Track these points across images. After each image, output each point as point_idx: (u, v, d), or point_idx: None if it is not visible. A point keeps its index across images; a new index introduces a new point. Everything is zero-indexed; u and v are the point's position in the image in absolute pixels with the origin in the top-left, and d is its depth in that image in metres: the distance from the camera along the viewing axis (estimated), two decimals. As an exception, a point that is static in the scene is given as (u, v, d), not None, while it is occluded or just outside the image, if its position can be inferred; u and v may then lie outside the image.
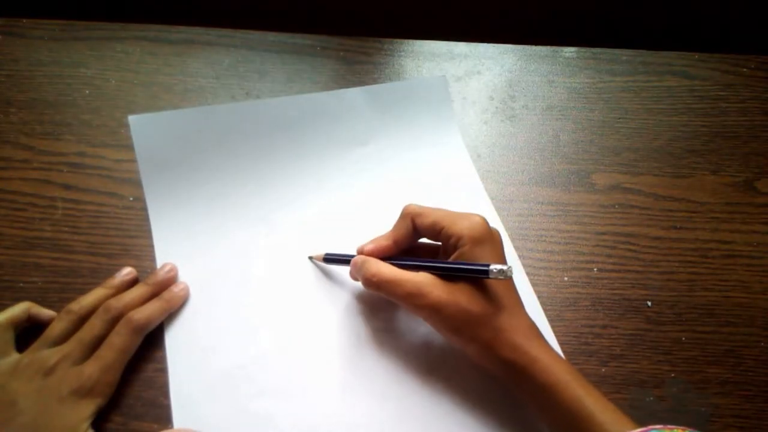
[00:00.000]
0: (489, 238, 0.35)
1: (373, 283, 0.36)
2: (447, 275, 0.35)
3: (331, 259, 0.41)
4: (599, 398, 0.32)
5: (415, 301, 0.34)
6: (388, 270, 0.36)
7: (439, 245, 0.39)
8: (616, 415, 0.31)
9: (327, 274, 0.42)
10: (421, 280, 0.35)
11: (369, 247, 0.38)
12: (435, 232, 0.37)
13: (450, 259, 0.36)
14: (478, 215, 0.36)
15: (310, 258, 0.43)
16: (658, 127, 0.52)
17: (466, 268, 0.34)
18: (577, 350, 0.40)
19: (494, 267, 0.32)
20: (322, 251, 0.42)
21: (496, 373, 0.35)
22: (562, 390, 0.32)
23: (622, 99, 0.53)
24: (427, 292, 0.34)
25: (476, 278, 0.34)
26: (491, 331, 0.33)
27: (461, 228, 0.35)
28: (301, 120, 0.49)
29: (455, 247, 0.35)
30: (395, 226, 0.39)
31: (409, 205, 0.39)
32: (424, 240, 0.39)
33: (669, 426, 0.29)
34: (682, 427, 0.29)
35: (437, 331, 0.36)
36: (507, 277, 0.32)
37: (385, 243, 0.38)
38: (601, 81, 0.54)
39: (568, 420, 0.32)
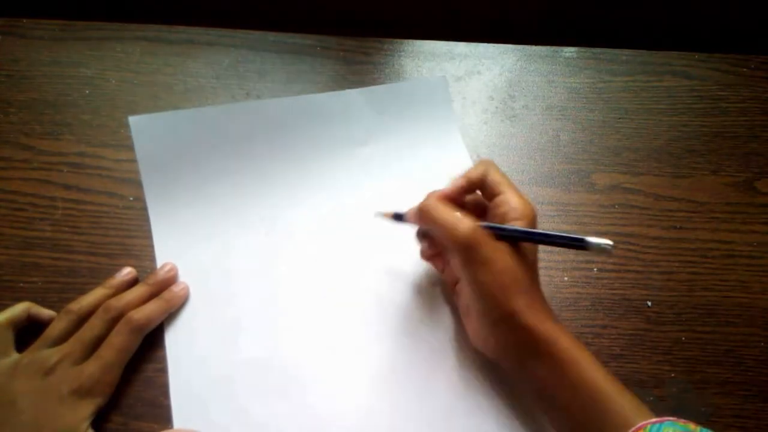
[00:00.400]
0: (535, 226, 0.36)
1: (428, 211, 0.36)
2: (503, 235, 0.34)
3: (399, 215, 0.40)
4: (618, 383, 0.32)
5: (468, 241, 0.34)
6: (446, 207, 0.36)
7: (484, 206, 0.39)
8: (635, 401, 0.31)
9: (327, 274, 0.42)
10: (475, 228, 0.34)
11: (439, 192, 0.38)
12: (494, 192, 0.37)
13: None
14: (533, 204, 0.36)
15: (379, 214, 0.41)
16: (658, 127, 0.52)
17: (564, 236, 0.34)
18: (577, 350, 0.40)
19: (594, 239, 0.31)
20: (390, 209, 0.41)
21: (505, 353, 0.35)
22: (584, 368, 0.32)
23: (622, 99, 0.53)
24: (481, 235, 0.34)
25: (519, 247, 0.34)
26: (525, 299, 0.33)
27: (516, 204, 0.35)
28: (301, 120, 0.49)
29: (503, 218, 0.35)
30: (470, 170, 0.38)
31: (487, 158, 0.41)
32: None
33: (683, 420, 0.30)
34: (694, 423, 0.29)
35: (473, 287, 0.35)
36: (609, 252, 0.32)
37: (457, 182, 0.38)
38: (601, 81, 0.54)
39: (585, 399, 0.31)
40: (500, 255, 0.34)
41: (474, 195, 0.39)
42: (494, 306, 0.34)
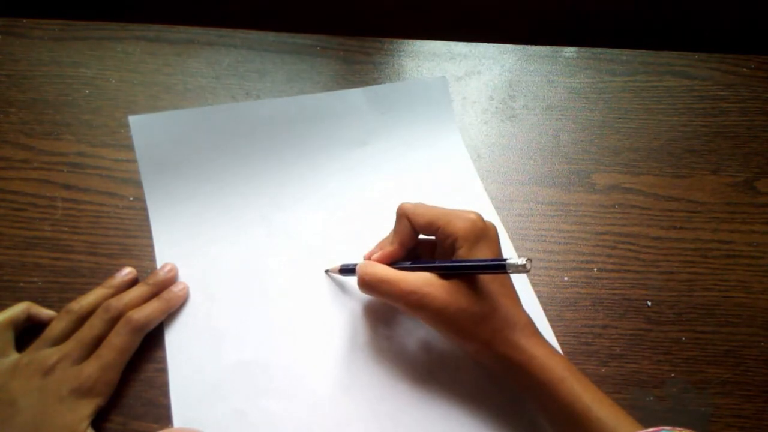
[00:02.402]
0: (484, 236, 0.35)
1: (367, 284, 0.36)
2: (444, 274, 0.34)
3: (347, 270, 0.40)
4: (597, 394, 0.32)
5: (413, 302, 0.34)
6: (383, 270, 0.36)
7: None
8: (614, 411, 0.32)
9: (326, 274, 0.42)
10: (417, 280, 0.34)
11: (376, 255, 0.38)
12: (431, 231, 0.37)
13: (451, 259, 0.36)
14: (473, 212, 0.36)
15: (327, 272, 0.42)
16: (658, 127, 0.52)
17: (482, 265, 0.33)
18: (577, 350, 0.40)
19: (512, 261, 0.31)
20: (336, 263, 0.41)
21: (495, 370, 0.35)
22: (559, 386, 0.32)
23: (622, 99, 0.53)
24: (425, 293, 0.34)
25: (473, 275, 0.34)
26: (489, 330, 0.33)
27: (456, 228, 0.35)
28: (301, 120, 0.49)
29: (452, 248, 0.35)
30: (396, 229, 0.38)
31: (403, 204, 0.38)
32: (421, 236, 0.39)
33: (678, 428, 0.29)
34: (689, 431, 0.29)
35: (436, 331, 0.36)
36: (527, 271, 0.31)
37: (390, 248, 0.38)
38: (601, 81, 0.54)
39: (566, 416, 0.32)
40: (449, 297, 0.33)
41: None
42: (464, 344, 0.35)
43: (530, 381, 0.33)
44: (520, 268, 0.30)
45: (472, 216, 0.35)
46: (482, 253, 0.34)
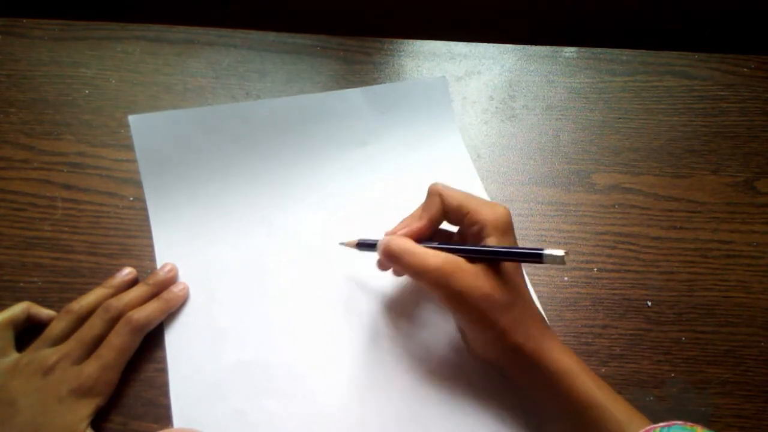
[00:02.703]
0: (512, 229, 0.35)
1: (392, 253, 0.35)
2: (472, 258, 0.34)
3: (364, 244, 0.39)
4: (609, 391, 0.32)
5: (438, 279, 0.33)
6: (410, 242, 0.35)
7: (452, 233, 0.39)
8: (627, 407, 0.32)
9: (326, 274, 0.42)
10: (447, 257, 0.33)
11: (404, 230, 0.37)
12: (460, 215, 0.36)
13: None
14: (503, 206, 0.36)
15: (342, 244, 0.41)
16: (658, 127, 0.52)
17: (519, 253, 0.33)
18: (577, 350, 0.40)
19: (549, 252, 0.30)
20: (353, 237, 0.40)
21: (504, 364, 0.35)
22: (574, 378, 0.32)
23: (622, 99, 0.53)
24: (453, 270, 0.33)
25: (498, 264, 0.34)
26: (509, 319, 0.33)
27: (487, 216, 0.35)
28: (301, 120, 0.49)
29: (478, 235, 0.35)
30: (426, 205, 0.37)
31: (436, 183, 0.37)
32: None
33: (690, 423, 0.30)
34: (701, 426, 0.29)
35: (453, 314, 0.35)
36: (563, 263, 0.30)
37: (419, 224, 0.37)
38: (601, 81, 0.54)
39: (578, 408, 0.32)
40: (476, 282, 0.33)
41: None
42: (480, 332, 0.34)
43: (543, 373, 0.33)
44: (558, 259, 0.30)
45: (503, 208, 0.35)
46: (509, 244, 0.34)
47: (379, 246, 0.36)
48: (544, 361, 0.33)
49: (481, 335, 0.35)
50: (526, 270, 0.43)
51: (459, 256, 0.34)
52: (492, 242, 0.34)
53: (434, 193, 0.37)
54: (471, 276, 0.33)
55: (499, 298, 0.33)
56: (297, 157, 0.48)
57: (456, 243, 0.37)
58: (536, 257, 0.31)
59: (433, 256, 0.34)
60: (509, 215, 0.35)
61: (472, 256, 0.34)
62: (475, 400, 0.37)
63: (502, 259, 0.34)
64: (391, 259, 0.35)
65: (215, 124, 0.47)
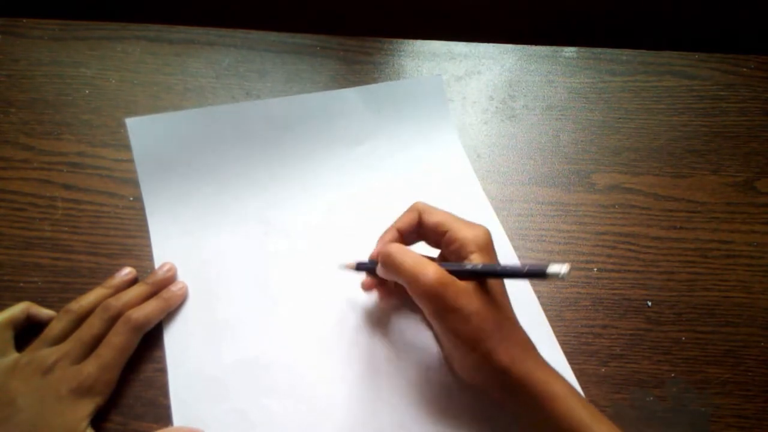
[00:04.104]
0: (493, 249, 0.35)
1: (393, 261, 0.34)
2: (458, 273, 0.33)
3: (363, 266, 0.39)
4: (595, 412, 0.32)
5: (434, 293, 0.33)
6: (413, 252, 0.34)
7: (434, 256, 0.38)
8: (613, 429, 0.31)
9: (325, 274, 0.42)
10: (441, 272, 0.33)
11: (377, 246, 0.38)
12: (439, 233, 0.36)
13: None
14: (484, 226, 0.36)
15: (342, 266, 0.40)
16: (658, 127, 0.52)
17: (521, 271, 0.32)
18: (577, 350, 0.40)
19: (554, 266, 0.29)
20: (352, 260, 0.40)
21: (490, 387, 0.34)
22: (559, 402, 0.31)
23: (622, 99, 0.53)
24: (447, 285, 0.32)
25: (484, 282, 0.33)
26: (496, 340, 0.33)
27: (467, 234, 0.35)
28: (298, 120, 0.49)
29: (458, 253, 0.35)
30: (401, 217, 0.38)
31: (418, 201, 0.38)
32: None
33: None
34: None
35: (441, 333, 0.35)
36: (564, 279, 0.30)
37: (388, 236, 0.37)
38: (601, 81, 0.54)
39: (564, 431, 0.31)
40: (467, 299, 0.32)
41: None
42: (468, 351, 0.33)
43: (528, 396, 0.32)
44: (560, 276, 0.29)
45: (483, 228, 0.35)
46: (492, 262, 0.34)
47: (379, 254, 0.36)
48: (531, 385, 0.32)
49: (468, 356, 0.34)
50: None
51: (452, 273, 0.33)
52: (476, 259, 0.34)
53: (413, 209, 0.37)
54: (463, 292, 0.32)
55: (487, 317, 0.32)
56: (293, 157, 0.48)
57: (454, 263, 0.36)
58: (540, 275, 0.30)
59: (431, 265, 0.33)
60: (489, 234, 0.35)
61: (465, 275, 0.33)
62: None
63: (502, 277, 0.33)
64: (391, 265, 0.35)
65: (212, 125, 0.47)
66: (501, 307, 0.34)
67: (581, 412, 0.31)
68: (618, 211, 0.47)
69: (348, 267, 0.40)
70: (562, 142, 0.50)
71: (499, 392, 0.34)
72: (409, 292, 0.34)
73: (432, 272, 0.33)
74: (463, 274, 0.33)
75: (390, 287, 0.40)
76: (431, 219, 0.36)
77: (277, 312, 0.41)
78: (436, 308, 0.33)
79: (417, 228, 0.37)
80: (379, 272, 0.36)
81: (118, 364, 0.36)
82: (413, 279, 0.33)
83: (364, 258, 0.39)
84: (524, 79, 0.54)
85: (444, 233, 0.36)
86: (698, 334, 0.41)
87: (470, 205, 0.46)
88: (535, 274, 0.31)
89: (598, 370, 0.40)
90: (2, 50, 0.52)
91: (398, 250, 0.35)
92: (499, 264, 0.34)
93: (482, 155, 0.50)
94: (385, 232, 0.38)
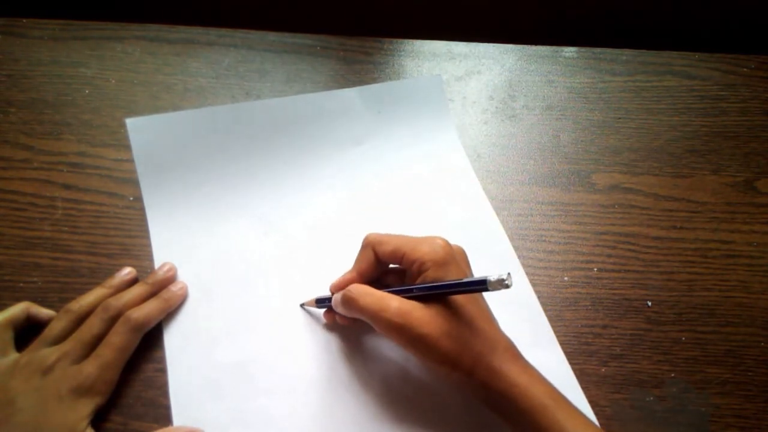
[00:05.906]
0: (451, 260, 0.34)
1: (349, 301, 0.34)
2: (420, 297, 0.33)
3: (322, 301, 0.39)
4: (582, 422, 0.31)
5: (398, 324, 0.32)
6: (371, 289, 0.34)
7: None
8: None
9: (325, 274, 0.42)
10: (402, 302, 0.33)
11: (334, 283, 0.38)
12: (397, 259, 0.36)
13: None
14: (440, 237, 0.35)
15: (302, 306, 0.41)
16: (658, 127, 0.52)
17: (462, 283, 0.32)
18: (577, 350, 0.40)
19: (492, 276, 0.29)
20: (311, 297, 0.40)
21: (476, 399, 0.34)
22: (542, 414, 0.31)
23: (622, 99, 0.53)
24: (408, 312, 0.32)
25: (450, 300, 0.33)
26: (472, 357, 0.32)
27: (422, 253, 0.34)
28: (298, 120, 0.49)
29: (419, 272, 0.34)
30: (358, 257, 0.37)
31: (369, 234, 0.37)
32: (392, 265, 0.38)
33: None
34: None
35: (418, 359, 0.34)
36: (508, 287, 0.29)
37: (348, 276, 0.37)
38: (601, 81, 0.54)
39: None
40: (432, 324, 0.32)
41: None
42: (449, 372, 0.33)
43: (512, 409, 0.32)
44: (501, 285, 0.29)
45: (439, 240, 0.35)
46: (452, 276, 0.33)
47: (337, 295, 0.36)
48: (512, 398, 0.31)
49: (448, 378, 0.34)
50: (527, 270, 0.43)
51: (404, 297, 0.33)
52: (430, 274, 0.33)
53: (367, 246, 0.37)
54: (427, 317, 0.32)
55: (458, 335, 0.32)
56: (293, 157, 0.48)
57: (400, 286, 0.35)
58: (480, 285, 0.30)
59: (393, 299, 0.33)
60: (445, 245, 0.34)
61: (421, 299, 0.33)
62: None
63: (447, 293, 0.33)
64: (351, 304, 0.34)
65: (211, 125, 0.47)
66: (470, 319, 0.33)
67: (566, 423, 0.30)
68: (618, 211, 0.47)
69: (308, 305, 0.40)
70: (562, 142, 0.50)
71: (488, 405, 0.33)
72: (377, 330, 0.34)
73: (394, 306, 0.32)
74: (418, 297, 0.33)
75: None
76: (386, 249, 0.36)
77: (278, 312, 0.41)
78: (405, 339, 0.33)
79: (376, 262, 0.37)
80: (344, 314, 0.36)
81: (118, 364, 0.36)
82: (376, 317, 0.33)
83: (323, 292, 0.39)
84: (524, 79, 0.54)
85: (402, 256, 0.35)
86: (698, 334, 0.41)
87: (470, 205, 0.46)
88: (474, 285, 0.31)
89: (598, 370, 0.40)
90: (2, 50, 0.52)
91: (358, 291, 0.34)
92: (442, 280, 0.33)
93: (482, 155, 0.50)
94: (344, 275, 0.38)
